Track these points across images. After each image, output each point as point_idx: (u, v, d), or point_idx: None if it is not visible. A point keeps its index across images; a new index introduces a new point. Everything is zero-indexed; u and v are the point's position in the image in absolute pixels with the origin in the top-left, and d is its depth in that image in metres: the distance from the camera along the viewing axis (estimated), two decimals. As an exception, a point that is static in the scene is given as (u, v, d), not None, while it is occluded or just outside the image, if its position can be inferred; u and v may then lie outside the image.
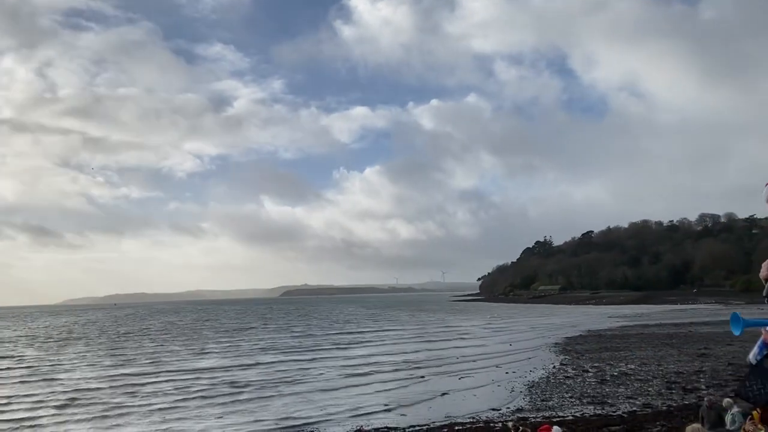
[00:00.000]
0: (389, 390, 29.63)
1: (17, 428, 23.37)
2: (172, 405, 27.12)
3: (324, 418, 23.58)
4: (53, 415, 25.70)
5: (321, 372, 36.37)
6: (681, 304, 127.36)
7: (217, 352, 50.58)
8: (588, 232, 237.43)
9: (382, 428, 21.47)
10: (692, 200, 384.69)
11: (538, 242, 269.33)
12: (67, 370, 40.44)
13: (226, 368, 39.28)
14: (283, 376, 34.87)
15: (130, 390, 31.43)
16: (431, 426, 21.61)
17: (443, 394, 28.65)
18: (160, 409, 26.17)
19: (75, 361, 46.07)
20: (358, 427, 21.54)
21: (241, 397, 28.67)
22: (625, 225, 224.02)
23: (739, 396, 2.18)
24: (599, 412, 22.76)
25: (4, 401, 28.99)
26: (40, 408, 27.14)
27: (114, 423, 24.05)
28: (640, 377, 30.82)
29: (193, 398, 28.73)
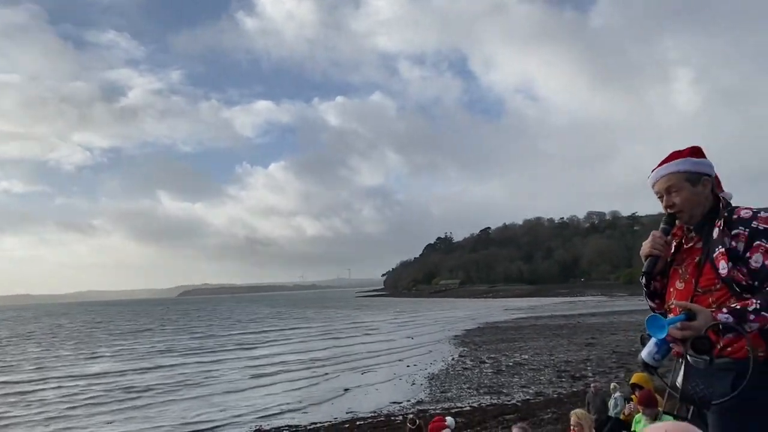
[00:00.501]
0: (294, 389, 29.24)
1: None
2: (60, 414, 25.50)
3: (227, 421, 22.95)
4: None
5: (224, 374, 35.36)
6: (570, 296, 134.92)
7: (110, 356, 48.12)
8: (486, 229, 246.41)
9: (283, 427, 21.30)
10: (581, 198, 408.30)
11: (439, 238, 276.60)
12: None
13: (120, 372, 37.41)
14: (184, 379, 33.54)
15: (12, 399, 29.28)
16: (333, 422, 21.66)
17: (346, 390, 28.75)
18: (46, 419, 24.56)
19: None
20: (257, 427, 21.24)
21: (137, 403, 27.32)
22: (520, 222, 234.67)
23: (684, 401, 2.29)
24: (495, 401, 23.69)
25: None
26: None
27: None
28: (533, 367, 32.36)
29: (84, 405, 27.13)
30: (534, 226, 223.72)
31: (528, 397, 24.31)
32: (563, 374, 29.37)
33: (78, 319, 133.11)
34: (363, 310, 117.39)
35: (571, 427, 6.97)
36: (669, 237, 2.91)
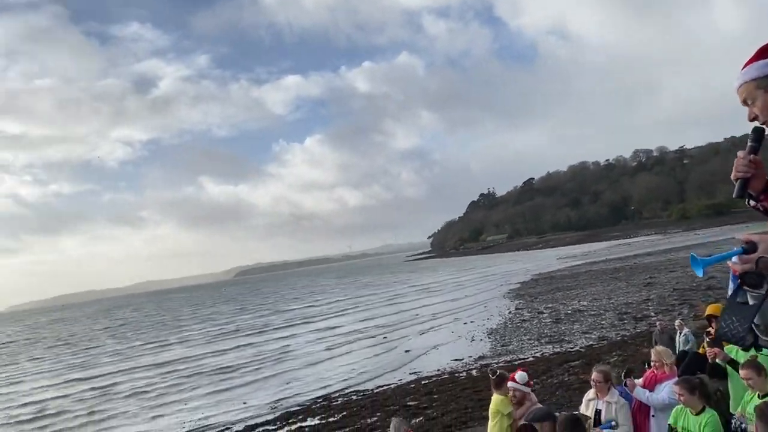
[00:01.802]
0: (363, 358, 29.47)
1: None
2: (155, 402, 26.52)
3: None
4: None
5: (300, 347, 35.59)
6: (623, 238, 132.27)
7: (179, 342, 49.77)
8: (529, 180, 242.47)
9: (351, 393, 21.65)
10: (626, 137, 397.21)
11: (482, 194, 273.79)
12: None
13: (198, 356, 37.80)
14: (263, 357, 33.59)
15: (98, 391, 30.68)
16: (399, 384, 21.93)
17: (407, 351, 29.11)
18: (141, 408, 25.06)
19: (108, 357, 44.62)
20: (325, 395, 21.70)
21: (224, 385, 27.10)
22: (564, 168, 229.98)
23: (721, 338, 2.13)
24: (558, 350, 23.56)
25: None
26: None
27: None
28: (593, 312, 32.00)
29: (174, 392, 28.02)
30: (579, 171, 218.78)
31: (591, 342, 24.08)
32: (625, 316, 28.96)
33: (143, 309, 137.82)
34: (414, 274, 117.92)
35: (653, 364, 6.81)
36: (757, 154, 2.66)
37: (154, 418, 22.63)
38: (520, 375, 6.33)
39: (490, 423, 6.44)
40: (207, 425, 20.37)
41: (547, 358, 22.03)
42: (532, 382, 6.57)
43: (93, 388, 30.92)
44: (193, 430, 20.20)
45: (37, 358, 51.73)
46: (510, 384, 6.27)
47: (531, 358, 22.45)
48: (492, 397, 6.55)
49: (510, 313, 37.29)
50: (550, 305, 37.46)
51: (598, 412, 6.17)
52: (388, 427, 6.86)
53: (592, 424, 5.99)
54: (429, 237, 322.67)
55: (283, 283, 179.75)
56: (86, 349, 54.19)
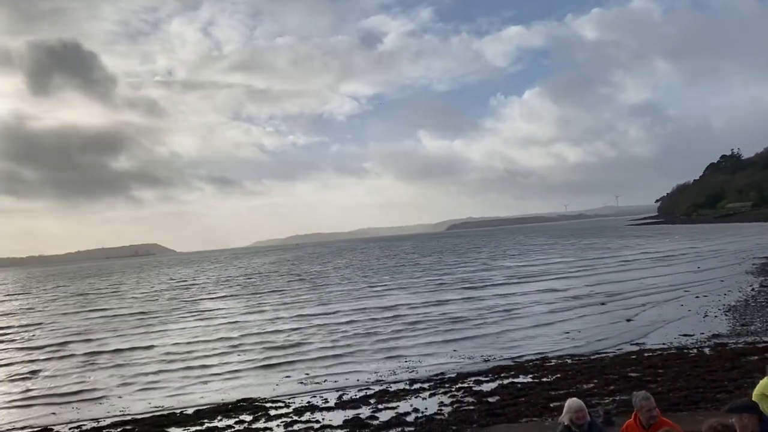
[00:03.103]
0: (581, 323, 28.44)
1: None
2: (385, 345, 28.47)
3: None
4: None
5: (527, 306, 35.17)
6: None
7: (400, 288, 52.77)
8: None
9: (566, 356, 21.10)
10: None
11: (724, 156, 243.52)
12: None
13: (438, 303, 39.10)
14: (490, 311, 33.89)
15: (311, 330, 33.97)
16: (618, 353, 20.81)
17: (628, 320, 27.48)
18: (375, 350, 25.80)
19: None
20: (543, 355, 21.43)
21: (455, 335, 27.49)
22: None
23: None
24: (814, 337, 20.43)
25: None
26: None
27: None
28: None
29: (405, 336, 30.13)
30: None
31: None
32: None
33: (369, 254, 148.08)
34: (638, 240, 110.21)
35: None
36: None
37: (384, 359, 23.92)
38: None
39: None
40: (420, 365, 21.44)
41: (800, 344, 19.21)
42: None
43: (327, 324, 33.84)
44: (410, 367, 21.39)
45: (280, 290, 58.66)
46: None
47: (779, 343, 19.76)
48: (761, 381, 5.81)
49: (753, 290, 33.14)
50: (805, 285, 32.54)
51: None
52: (629, 396, 6.43)
53: None
54: (656, 201, 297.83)
55: (497, 239, 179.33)
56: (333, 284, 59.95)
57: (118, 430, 16.33)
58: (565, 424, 6.15)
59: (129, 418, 17.61)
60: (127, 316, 44.80)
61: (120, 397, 20.39)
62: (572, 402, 6.33)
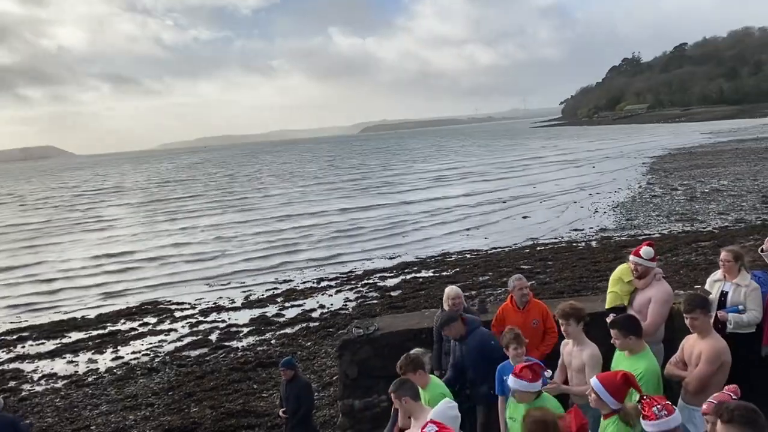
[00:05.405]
0: (482, 223, 29.76)
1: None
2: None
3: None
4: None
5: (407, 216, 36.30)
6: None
7: (340, 195, 52.43)
8: (681, 45, 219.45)
9: (465, 251, 22.14)
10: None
11: (625, 59, 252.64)
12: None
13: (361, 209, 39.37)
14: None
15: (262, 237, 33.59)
16: (513, 247, 22.08)
17: (525, 218, 29.00)
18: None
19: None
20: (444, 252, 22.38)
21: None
22: (724, 34, 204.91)
23: None
24: (688, 228, 22.34)
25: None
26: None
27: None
28: (732, 193, 29.73)
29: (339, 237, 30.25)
30: (741, 37, 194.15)
31: (726, 224, 22.58)
32: (769, 200, 26.69)
33: (282, 158, 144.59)
34: (536, 142, 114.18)
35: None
36: None
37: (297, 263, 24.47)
38: (645, 250, 5.99)
39: (609, 289, 6.26)
40: (329, 264, 22.00)
41: (675, 236, 21.01)
42: (657, 258, 6.19)
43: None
44: (318, 266, 21.85)
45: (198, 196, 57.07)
46: (632, 258, 5.99)
47: (657, 235, 21.52)
48: (619, 266, 6.31)
49: (640, 187, 35.53)
50: (685, 182, 35.18)
51: (724, 294, 5.80)
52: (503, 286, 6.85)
53: (716, 305, 5.69)
54: (561, 103, 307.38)
55: (414, 142, 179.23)
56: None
57: (14, 337, 15.91)
58: (444, 309, 6.54)
59: (25, 324, 17.14)
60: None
61: (15, 307, 19.72)
62: (450, 289, 6.70)
